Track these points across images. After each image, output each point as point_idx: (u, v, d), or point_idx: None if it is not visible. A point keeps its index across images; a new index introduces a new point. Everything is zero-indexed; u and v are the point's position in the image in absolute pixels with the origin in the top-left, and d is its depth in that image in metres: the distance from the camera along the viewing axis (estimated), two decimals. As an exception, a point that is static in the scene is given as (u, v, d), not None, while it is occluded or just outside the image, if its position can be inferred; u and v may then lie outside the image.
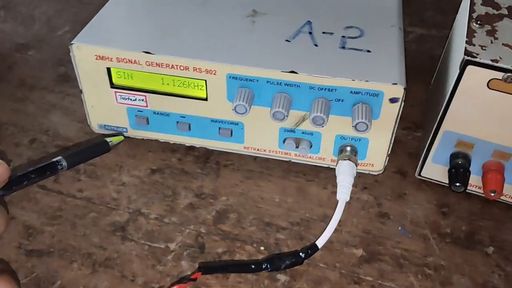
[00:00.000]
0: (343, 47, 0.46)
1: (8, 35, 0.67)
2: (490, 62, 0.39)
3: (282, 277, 0.42)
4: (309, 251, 0.41)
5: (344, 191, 0.44)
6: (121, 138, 0.44)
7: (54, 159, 0.39)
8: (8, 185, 0.34)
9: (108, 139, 0.43)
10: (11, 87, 0.59)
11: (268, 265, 0.41)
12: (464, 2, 0.47)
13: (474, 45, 0.40)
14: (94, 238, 0.44)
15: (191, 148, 0.52)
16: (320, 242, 0.42)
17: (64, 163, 0.39)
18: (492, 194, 0.43)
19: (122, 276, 0.42)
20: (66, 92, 0.58)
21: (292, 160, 0.50)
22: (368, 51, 0.45)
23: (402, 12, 0.51)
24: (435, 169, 0.47)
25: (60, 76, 0.61)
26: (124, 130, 0.51)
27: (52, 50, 0.64)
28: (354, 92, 0.43)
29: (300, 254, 0.41)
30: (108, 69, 0.47)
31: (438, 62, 0.57)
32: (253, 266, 0.41)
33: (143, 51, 0.45)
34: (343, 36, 0.47)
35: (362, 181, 0.49)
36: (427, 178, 0.49)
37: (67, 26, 0.68)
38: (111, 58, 0.46)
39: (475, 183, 0.46)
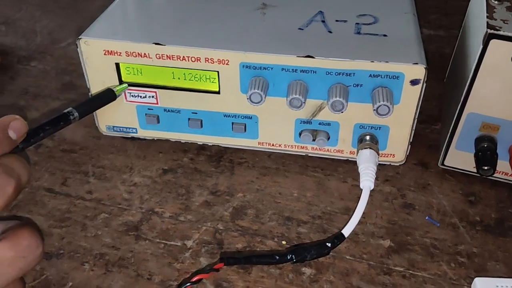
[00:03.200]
0: (359, 33, 0.45)
1: (10, 49, 0.65)
2: (515, 35, 0.38)
3: (307, 270, 0.39)
4: (336, 240, 0.39)
5: (368, 179, 0.42)
6: (125, 86, 0.46)
7: (65, 110, 0.41)
8: (26, 139, 0.35)
9: (113, 87, 0.46)
10: (14, 97, 0.57)
11: (293, 256, 0.38)
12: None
13: (495, 19, 0.39)
14: (106, 239, 0.42)
15: (203, 147, 0.50)
16: (346, 231, 0.39)
17: (76, 113, 0.42)
18: (522, 177, 0.42)
19: (138, 275, 0.39)
20: (71, 98, 0.57)
21: (309, 155, 0.48)
22: (385, 35, 0.44)
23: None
24: (459, 157, 0.46)
25: (65, 84, 0.59)
26: (134, 130, 0.49)
27: (55, 60, 0.63)
28: (373, 75, 0.42)
29: (327, 244, 0.39)
30: (117, 65, 0.45)
31: (449, 58, 0.56)
32: (277, 257, 0.38)
33: (153, 43, 0.43)
34: (357, 23, 0.46)
35: (383, 173, 0.47)
36: (451, 167, 0.47)
37: (70, 39, 0.67)
38: (120, 53, 0.44)
39: (501, 169, 0.45)
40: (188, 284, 0.36)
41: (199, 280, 0.36)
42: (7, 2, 0.76)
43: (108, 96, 0.46)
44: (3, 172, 0.30)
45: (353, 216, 0.40)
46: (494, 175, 0.44)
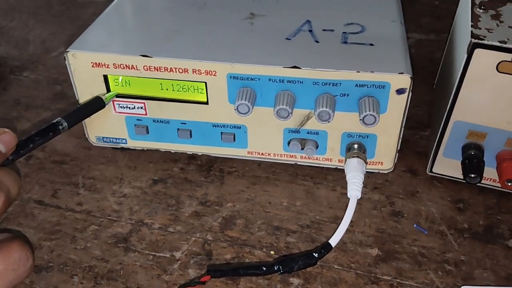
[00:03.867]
0: (345, 42, 0.45)
1: (2, 59, 0.65)
2: (499, 44, 0.38)
3: (295, 281, 0.40)
4: (323, 250, 0.39)
5: (355, 188, 0.42)
6: (114, 93, 0.46)
7: (54, 121, 0.41)
8: (16, 150, 0.35)
9: (101, 96, 0.45)
10: (6, 107, 0.58)
11: (280, 267, 0.38)
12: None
13: (480, 28, 0.39)
14: (95, 251, 0.42)
15: (193, 157, 0.50)
16: (333, 241, 0.39)
17: (65, 123, 0.41)
18: (510, 184, 0.42)
19: (127, 287, 0.39)
20: (62, 109, 0.57)
21: (298, 163, 0.49)
22: (371, 44, 0.44)
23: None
24: (447, 164, 0.46)
25: (56, 94, 0.59)
26: (123, 141, 0.50)
27: (47, 70, 0.63)
28: (360, 85, 0.42)
29: (314, 254, 0.39)
30: (105, 77, 0.45)
31: (439, 63, 0.56)
32: (264, 268, 0.38)
33: (140, 55, 0.44)
34: (344, 32, 0.46)
35: (372, 181, 0.48)
36: (439, 174, 0.47)
37: (62, 47, 0.67)
38: (108, 65, 0.45)
39: (489, 175, 0.45)
40: (176, 296, 0.37)
41: (186, 293, 0.36)
42: (0, 11, 0.77)
43: (97, 104, 0.46)
44: None
45: (340, 226, 0.40)
46: (483, 181, 0.44)
